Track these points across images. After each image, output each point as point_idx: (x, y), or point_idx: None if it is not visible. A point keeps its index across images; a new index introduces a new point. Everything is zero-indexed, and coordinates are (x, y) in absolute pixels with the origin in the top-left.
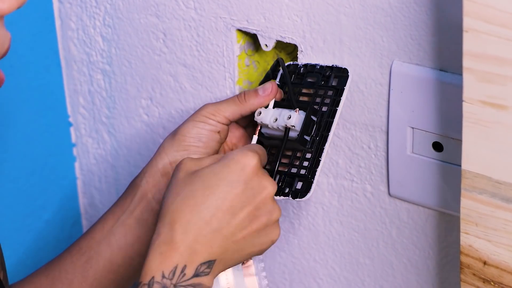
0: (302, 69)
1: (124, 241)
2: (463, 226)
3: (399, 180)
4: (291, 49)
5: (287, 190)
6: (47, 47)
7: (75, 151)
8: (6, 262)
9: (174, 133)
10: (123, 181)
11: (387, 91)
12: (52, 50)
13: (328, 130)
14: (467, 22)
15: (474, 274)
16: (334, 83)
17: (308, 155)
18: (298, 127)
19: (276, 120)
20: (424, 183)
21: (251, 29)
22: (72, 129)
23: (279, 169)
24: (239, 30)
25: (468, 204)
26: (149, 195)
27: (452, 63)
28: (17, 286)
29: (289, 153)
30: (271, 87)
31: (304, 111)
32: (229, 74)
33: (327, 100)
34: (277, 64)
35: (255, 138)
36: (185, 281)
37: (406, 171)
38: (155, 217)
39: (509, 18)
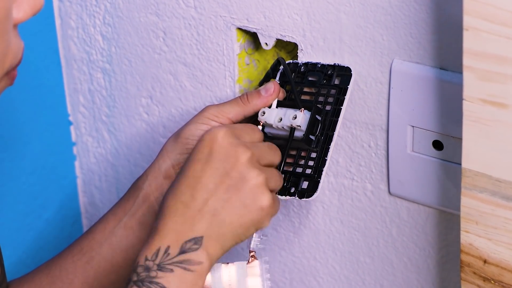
0: (302, 67)
1: (126, 243)
2: (463, 225)
3: (399, 179)
4: (291, 48)
5: (293, 190)
6: (47, 46)
7: (75, 150)
8: (6, 261)
9: (177, 136)
10: (123, 180)
11: (387, 89)
12: (52, 49)
13: (333, 129)
14: (467, 20)
15: (474, 273)
16: (336, 82)
17: (313, 155)
18: (304, 127)
19: (281, 120)
20: (424, 182)
21: (251, 27)
22: (72, 128)
23: (284, 168)
24: (239, 29)
25: (468, 203)
26: (152, 198)
27: (452, 62)
28: (16, 283)
29: (293, 152)
30: (274, 87)
31: (309, 110)
32: (229, 73)
33: (330, 99)
34: (278, 63)
35: None
36: (169, 259)
37: (406, 169)
38: None
39: (509, 17)
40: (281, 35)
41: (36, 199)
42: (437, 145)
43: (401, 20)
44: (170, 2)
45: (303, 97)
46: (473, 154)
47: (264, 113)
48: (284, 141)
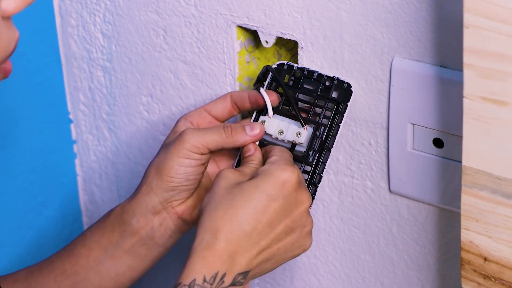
0: (298, 72)
1: (115, 271)
2: (463, 222)
3: (399, 177)
4: (291, 46)
5: None
6: (47, 44)
7: (75, 148)
8: (7, 259)
9: (159, 171)
10: (123, 178)
11: (387, 87)
12: (52, 47)
13: (331, 145)
14: (468, 18)
15: (474, 270)
16: (334, 95)
17: (308, 168)
18: (306, 144)
19: (282, 133)
20: (424, 180)
21: (252, 25)
22: (72, 126)
23: None
24: (240, 27)
25: (468, 200)
26: (142, 232)
27: (452, 59)
28: None
29: None
30: (259, 128)
31: (308, 124)
32: (229, 71)
33: (328, 113)
34: (267, 71)
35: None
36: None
37: (406, 167)
38: (150, 250)
39: (509, 14)
40: (281, 33)
41: (36, 197)
42: (438, 142)
43: (401, 18)
44: (171, 0)
45: (298, 104)
46: (474, 152)
47: (264, 121)
48: None
